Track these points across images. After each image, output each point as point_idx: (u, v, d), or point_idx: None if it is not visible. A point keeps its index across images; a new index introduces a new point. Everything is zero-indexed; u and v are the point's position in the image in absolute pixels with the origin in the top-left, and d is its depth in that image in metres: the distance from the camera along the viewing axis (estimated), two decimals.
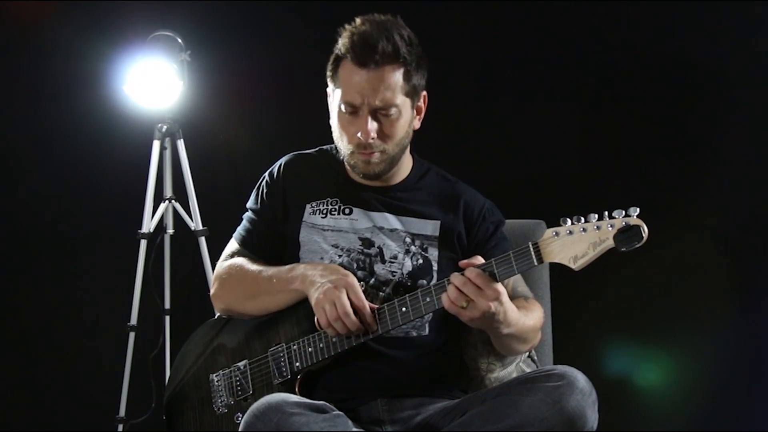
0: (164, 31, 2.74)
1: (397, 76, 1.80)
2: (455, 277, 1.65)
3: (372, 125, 1.81)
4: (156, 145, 2.82)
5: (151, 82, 2.71)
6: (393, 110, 1.82)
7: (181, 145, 2.83)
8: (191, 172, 2.84)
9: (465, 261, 1.67)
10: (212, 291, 2.01)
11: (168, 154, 2.86)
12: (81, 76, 2.96)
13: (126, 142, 2.97)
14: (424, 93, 1.90)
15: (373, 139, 1.82)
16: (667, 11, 2.69)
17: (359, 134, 1.82)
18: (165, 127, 2.82)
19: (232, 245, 2.03)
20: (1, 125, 3.08)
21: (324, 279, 1.78)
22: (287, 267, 1.88)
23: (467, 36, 2.87)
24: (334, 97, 1.87)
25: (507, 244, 1.95)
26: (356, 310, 1.74)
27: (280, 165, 2.02)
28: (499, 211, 2.00)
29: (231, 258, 2.01)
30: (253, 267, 1.93)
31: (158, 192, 2.86)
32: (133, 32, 2.81)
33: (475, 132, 2.86)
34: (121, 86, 2.73)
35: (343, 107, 1.84)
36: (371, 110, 1.81)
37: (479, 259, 1.67)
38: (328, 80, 1.88)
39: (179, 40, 2.74)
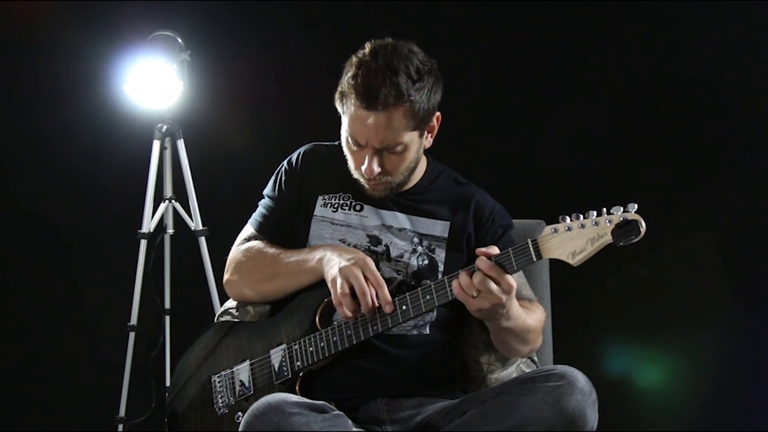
0: (164, 31, 2.74)
1: (402, 117, 1.77)
2: (475, 276, 1.65)
3: (375, 163, 1.81)
4: (156, 145, 2.82)
5: (151, 82, 2.71)
6: (398, 147, 1.81)
7: (181, 145, 2.83)
8: (191, 172, 2.84)
9: (483, 249, 1.67)
10: (226, 277, 2.02)
11: (168, 154, 2.86)
12: (81, 76, 2.96)
13: (126, 142, 2.97)
14: (438, 114, 1.87)
15: (377, 173, 1.82)
16: (667, 11, 2.70)
17: (363, 167, 1.82)
18: (165, 127, 2.82)
19: (248, 230, 2.04)
20: (1, 125, 3.08)
21: (342, 258, 1.80)
22: (307, 248, 1.90)
23: (467, 36, 2.87)
24: (342, 121, 1.86)
25: None
26: (373, 287, 1.75)
27: (299, 154, 2.02)
28: (509, 216, 2.01)
29: (246, 242, 2.02)
30: (272, 249, 1.95)
31: (158, 192, 2.86)
32: (133, 32, 2.81)
33: (475, 132, 2.86)
34: (121, 86, 2.73)
35: (349, 139, 1.84)
36: (375, 150, 1.81)
37: (495, 249, 1.67)
38: (336, 103, 1.85)
39: (179, 40, 2.74)
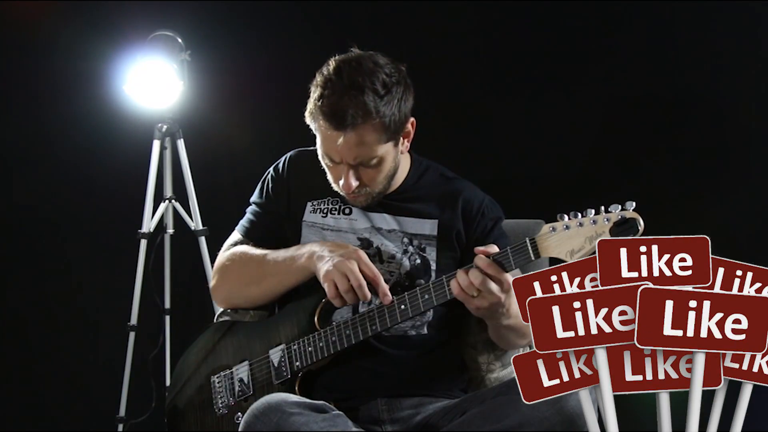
0: (164, 31, 2.74)
1: (373, 132, 1.76)
2: (473, 274, 1.65)
3: (352, 178, 1.81)
4: (156, 145, 2.82)
5: (151, 82, 2.71)
6: (373, 161, 1.80)
7: (181, 145, 2.83)
8: (191, 172, 2.84)
9: (481, 248, 1.67)
10: (212, 283, 2.01)
11: (168, 154, 2.86)
12: (81, 76, 2.96)
13: (126, 142, 2.97)
14: (412, 119, 1.85)
15: (355, 187, 1.82)
16: (666, 11, 2.70)
17: (341, 183, 1.82)
18: (165, 127, 2.82)
19: (235, 236, 2.03)
20: (1, 125, 3.08)
21: (333, 253, 1.79)
22: (294, 247, 1.89)
23: (467, 35, 2.87)
24: (316, 138, 1.85)
25: (506, 240, 1.94)
26: (369, 281, 1.75)
27: (285, 160, 2.02)
28: (498, 207, 1.99)
29: (232, 247, 2.01)
30: (258, 251, 1.94)
31: (158, 192, 2.86)
32: (133, 32, 2.81)
33: (474, 132, 2.86)
34: (121, 86, 2.73)
35: (324, 156, 1.84)
36: (351, 165, 1.80)
37: (494, 248, 1.67)
38: (307, 120, 1.84)
39: (179, 40, 2.74)
